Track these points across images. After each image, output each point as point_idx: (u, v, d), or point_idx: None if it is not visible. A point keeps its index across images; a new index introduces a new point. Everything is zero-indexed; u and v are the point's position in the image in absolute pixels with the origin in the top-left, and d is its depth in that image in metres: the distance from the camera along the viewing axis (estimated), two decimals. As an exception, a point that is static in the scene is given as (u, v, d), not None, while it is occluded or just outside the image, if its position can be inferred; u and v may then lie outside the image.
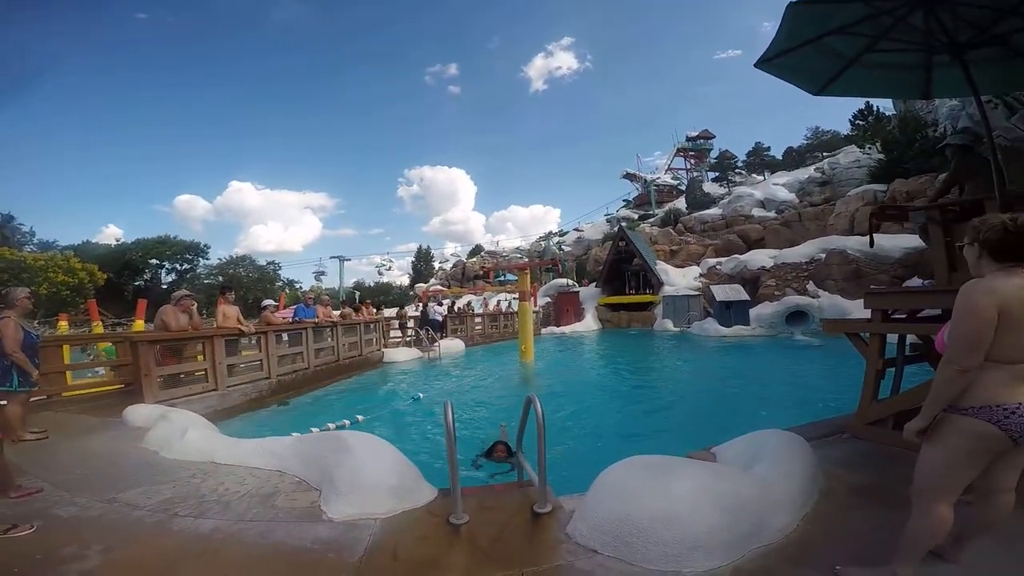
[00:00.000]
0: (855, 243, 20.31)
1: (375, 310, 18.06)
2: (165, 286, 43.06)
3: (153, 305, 15.63)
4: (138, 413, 5.54)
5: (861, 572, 2.13)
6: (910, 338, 4.41)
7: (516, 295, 17.63)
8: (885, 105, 31.18)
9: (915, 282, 14.54)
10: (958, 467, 1.92)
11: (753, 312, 20.46)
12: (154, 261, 45.53)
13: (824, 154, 43.28)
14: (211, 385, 7.27)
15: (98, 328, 15.06)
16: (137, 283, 43.63)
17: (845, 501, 2.92)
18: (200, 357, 7.57)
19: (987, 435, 1.82)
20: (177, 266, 47.36)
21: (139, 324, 15.13)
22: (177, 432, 4.57)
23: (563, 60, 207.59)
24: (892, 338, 4.31)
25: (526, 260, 44.58)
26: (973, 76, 3.71)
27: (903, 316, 4.29)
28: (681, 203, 47.89)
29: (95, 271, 32.59)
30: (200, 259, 48.57)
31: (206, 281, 46.39)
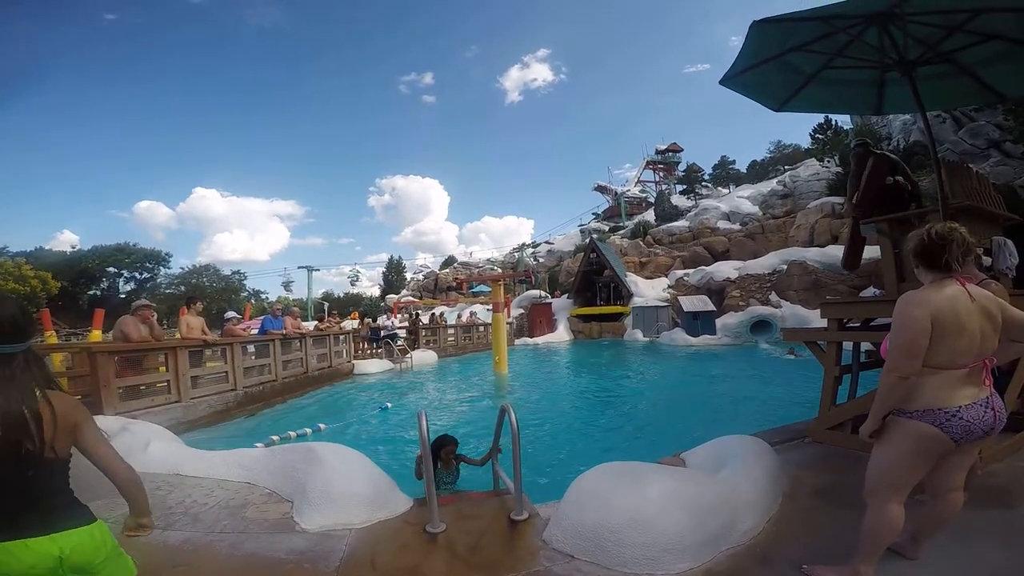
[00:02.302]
0: (815, 254, 21.14)
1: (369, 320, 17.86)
2: (123, 295, 41.51)
3: (111, 315, 15.06)
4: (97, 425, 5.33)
5: (826, 571, 2.21)
6: (864, 345, 4.63)
7: (489, 306, 17.66)
8: (843, 119, 32.37)
9: (870, 292, 15.20)
10: (905, 467, 2.03)
11: (719, 322, 21.00)
12: (112, 269, 43.81)
13: (786, 167, 44.78)
14: (174, 397, 7.08)
15: (52, 339, 14.37)
16: (93, 292, 41.89)
17: (808, 502, 3.04)
18: (162, 368, 7.36)
19: (930, 437, 1.93)
20: (136, 275, 45.68)
21: (96, 334, 14.53)
22: (139, 444, 4.40)
23: (539, 72, 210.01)
24: (848, 345, 4.52)
25: (499, 271, 44.66)
26: (922, 92, 3.94)
27: (857, 325, 4.49)
28: (650, 215, 48.79)
29: (48, 279, 31.24)
30: (161, 268, 47.00)
31: (167, 291, 44.90)
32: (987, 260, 3.98)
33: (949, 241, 1.94)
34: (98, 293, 42.09)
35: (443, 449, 4.17)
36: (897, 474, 2.05)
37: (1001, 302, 1.98)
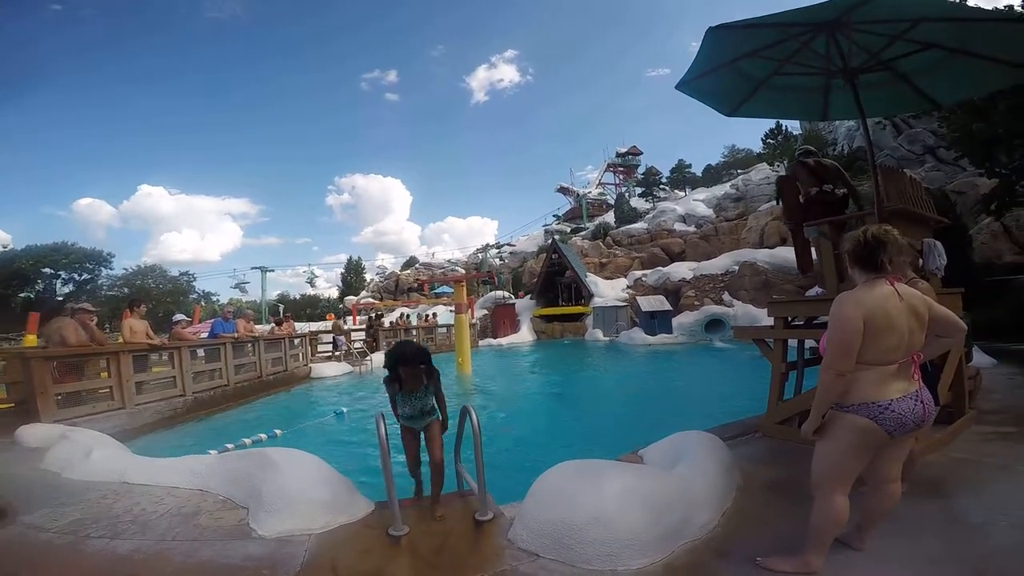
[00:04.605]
0: (764, 255, 22.05)
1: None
2: (60, 298, 38.92)
3: (47, 319, 14.11)
4: (33, 433, 5.07)
5: (779, 561, 2.29)
6: (809, 342, 4.85)
7: (452, 308, 17.57)
8: (793, 125, 33.74)
9: (814, 291, 15.92)
10: (846, 459, 2.14)
11: (675, 321, 21.61)
12: (48, 270, 40.97)
13: (739, 171, 46.36)
14: (117, 403, 6.75)
15: (-22, 345, 13.36)
16: (26, 294, 39.12)
17: (761, 496, 3.15)
18: (104, 374, 6.99)
19: (866, 429, 2.05)
20: (75, 276, 42.88)
21: (30, 339, 13.57)
22: (80, 452, 4.22)
23: (505, 72, 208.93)
24: (795, 342, 4.74)
25: (462, 272, 44.43)
26: (863, 99, 4.14)
27: (801, 323, 4.70)
28: (610, 217, 49.58)
29: (-26, 280, 29.03)
30: (103, 269, 44.23)
31: (109, 293, 42.44)
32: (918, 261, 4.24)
33: (883, 243, 2.06)
34: (32, 295, 39.37)
35: (403, 368, 3.02)
36: (839, 467, 2.15)
37: (928, 300, 2.11)
